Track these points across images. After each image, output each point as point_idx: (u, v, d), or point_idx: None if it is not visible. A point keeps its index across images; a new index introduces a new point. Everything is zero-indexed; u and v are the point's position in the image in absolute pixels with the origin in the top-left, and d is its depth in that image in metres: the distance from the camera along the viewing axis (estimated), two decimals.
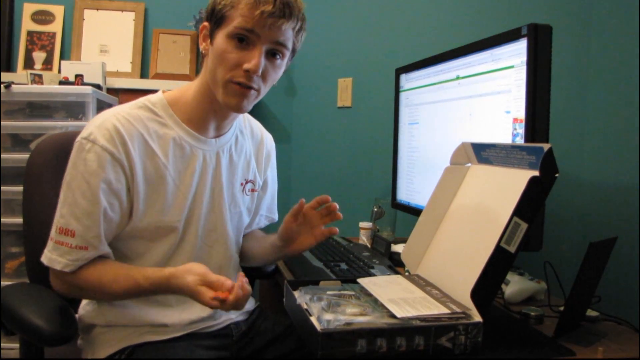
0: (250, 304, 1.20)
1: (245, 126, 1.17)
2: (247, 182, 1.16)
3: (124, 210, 0.98)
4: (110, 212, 0.95)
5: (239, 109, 0.99)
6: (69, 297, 1.02)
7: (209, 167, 1.06)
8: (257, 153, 1.20)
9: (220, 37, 0.95)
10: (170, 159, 1.01)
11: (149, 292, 0.95)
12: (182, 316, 1.04)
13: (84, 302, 1.10)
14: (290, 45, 0.98)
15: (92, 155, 0.93)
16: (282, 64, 1.01)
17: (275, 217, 1.31)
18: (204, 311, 1.06)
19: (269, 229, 1.32)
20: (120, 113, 0.98)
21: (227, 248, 1.12)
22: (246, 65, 0.93)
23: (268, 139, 1.24)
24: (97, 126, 0.95)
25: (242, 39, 0.94)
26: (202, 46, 1.01)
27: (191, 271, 0.89)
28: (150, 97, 1.04)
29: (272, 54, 0.97)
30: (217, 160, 1.08)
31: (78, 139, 0.96)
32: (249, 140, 1.17)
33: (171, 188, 1.01)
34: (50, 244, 0.94)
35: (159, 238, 1.02)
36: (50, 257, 0.94)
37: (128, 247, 1.02)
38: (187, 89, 1.05)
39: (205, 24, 1.00)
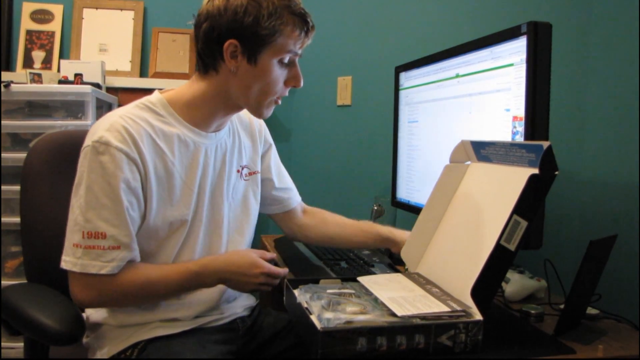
0: (251, 300, 1.22)
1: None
2: (243, 168, 1.17)
3: (141, 209, 0.98)
4: (131, 211, 0.96)
5: (266, 117, 1.09)
6: (90, 307, 1.03)
7: (210, 160, 1.08)
8: (248, 136, 1.20)
9: (267, 60, 0.99)
10: (176, 156, 1.02)
11: (200, 278, 1.01)
12: (190, 309, 1.05)
13: None
14: None
15: (107, 157, 0.93)
16: None
17: (295, 191, 1.34)
18: (212, 301, 1.08)
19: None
20: (125, 114, 0.98)
21: (229, 236, 1.13)
22: (295, 83, 1.06)
23: (256, 120, 1.24)
24: (106, 129, 0.95)
25: (287, 61, 1.02)
26: (232, 64, 0.99)
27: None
28: (149, 97, 1.05)
29: None
30: (216, 152, 1.09)
31: (88, 143, 0.95)
32: (238, 126, 1.18)
33: (179, 184, 1.02)
34: (77, 251, 0.92)
35: (170, 235, 1.03)
36: (82, 262, 0.92)
37: (140, 247, 1.02)
38: (186, 90, 1.05)
39: (234, 42, 0.97)
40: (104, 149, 0.93)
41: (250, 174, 1.19)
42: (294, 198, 1.32)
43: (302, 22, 1.00)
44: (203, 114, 1.05)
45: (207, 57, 1.01)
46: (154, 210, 0.99)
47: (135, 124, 0.97)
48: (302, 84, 1.06)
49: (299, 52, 1.03)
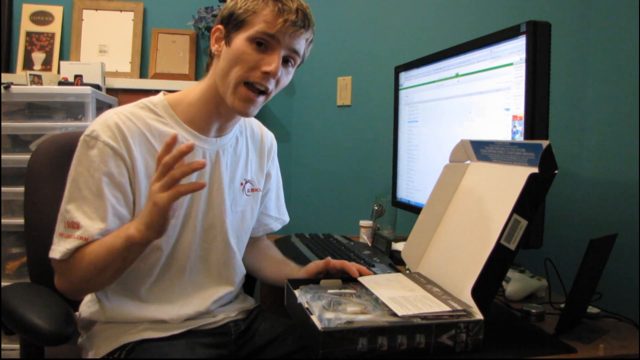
0: (249, 303, 1.21)
1: (245, 127, 1.19)
2: (246, 182, 1.17)
3: (130, 205, 0.99)
4: (118, 206, 0.97)
5: (246, 114, 1.02)
6: (73, 297, 1.02)
7: (207, 165, 1.07)
8: (257, 152, 1.21)
9: (240, 40, 0.98)
10: None
11: (130, 225, 0.90)
12: (180, 312, 1.05)
13: (86, 299, 1.11)
14: (302, 54, 1.03)
15: (95, 151, 0.96)
16: (292, 71, 1.05)
17: (286, 218, 1.34)
18: (202, 306, 1.07)
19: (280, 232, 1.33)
20: (122, 112, 1.01)
21: (227, 246, 1.12)
22: (266, 68, 0.97)
23: (269, 137, 1.25)
24: (99, 123, 0.98)
25: (262, 44, 0.97)
26: (214, 48, 1.03)
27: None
28: (152, 98, 1.06)
29: (285, 61, 1.01)
30: (217, 158, 1.09)
31: (82, 136, 0.98)
32: (249, 140, 1.19)
33: None
34: (61, 239, 0.96)
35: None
36: (54, 248, 0.95)
37: None
38: (189, 92, 1.07)
39: (220, 27, 1.02)
40: (94, 143, 0.96)
41: (252, 190, 1.18)
42: (273, 225, 1.31)
43: (280, 5, 0.96)
44: (202, 115, 1.05)
45: (209, 55, 1.05)
46: (142, 208, 0.99)
47: (129, 121, 1.00)
48: (277, 72, 0.97)
49: (278, 37, 0.96)
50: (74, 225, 0.95)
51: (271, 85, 1.00)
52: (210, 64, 1.06)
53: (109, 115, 1.00)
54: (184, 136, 1.04)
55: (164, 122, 1.03)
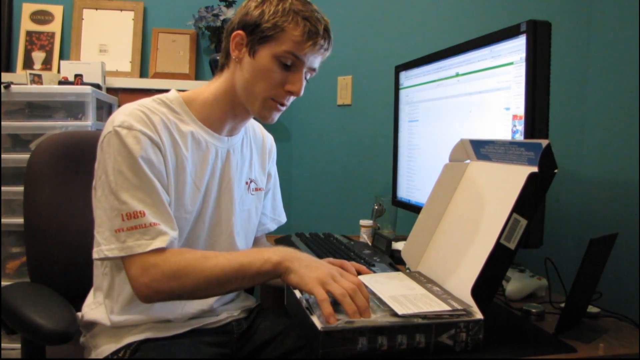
0: (250, 302, 1.21)
1: (248, 128, 1.20)
2: (251, 182, 1.18)
3: (167, 192, 0.98)
4: (163, 191, 0.96)
5: (271, 121, 1.07)
6: (152, 299, 0.93)
7: (219, 162, 1.09)
8: (259, 153, 1.23)
9: (266, 55, 0.99)
10: (190, 152, 1.03)
11: (263, 251, 0.93)
12: (184, 310, 1.05)
13: (88, 301, 1.10)
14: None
15: (131, 139, 0.93)
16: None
17: (283, 219, 1.34)
18: (206, 303, 1.07)
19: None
20: (143, 104, 1.00)
21: (232, 243, 1.12)
22: (291, 87, 1.01)
23: (269, 139, 1.28)
24: (127, 115, 0.96)
25: (288, 63, 1.00)
26: (235, 54, 1.03)
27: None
28: (167, 94, 1.06)
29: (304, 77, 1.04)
30: (227, 157, 1.10)
31: (110, 129, 0.94)
32: (252, 141, 1.21)
33: (189, 181, 1.03)
34: (121, 235, 0.90)
35: None
36: (128, 245, 0.89)
37: None
38: (202, 91, 1.08)
39: (241, 32, 1.01)
40: (127, 132, 0.94)
41: (256, 189, 1.20)
42: (269, 224, 1.32)
43: (309, 26, 0.98)
44: (215, 113, 1.06)
45: (224, 56, 1.06)
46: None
47: (154, 114, 0.99)
48: (300, 92, 1.02)
49: (304, 58, 1.00)
50: (136, 215, 0.91)
51: (289, 101, 1.05)
52: (226, 65, 1.06)
53: (133, 107, 0.98)
54: (199, 133, 1.05)
55: (181, 119, 1.04)
